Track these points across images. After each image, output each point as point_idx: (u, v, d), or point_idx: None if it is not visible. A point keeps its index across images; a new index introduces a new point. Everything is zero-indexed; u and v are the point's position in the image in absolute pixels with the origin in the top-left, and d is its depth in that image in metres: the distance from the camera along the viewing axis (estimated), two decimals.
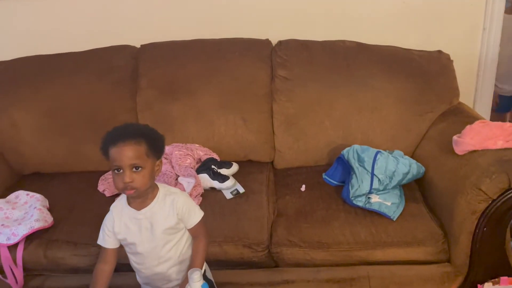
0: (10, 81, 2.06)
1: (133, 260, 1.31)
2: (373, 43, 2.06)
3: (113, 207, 1.27)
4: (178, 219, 1.25)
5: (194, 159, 1.94)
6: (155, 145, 1.19)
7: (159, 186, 1.26)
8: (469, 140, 1.56)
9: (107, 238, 1.26)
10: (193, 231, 1.29)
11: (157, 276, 1.30)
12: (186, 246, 1.31)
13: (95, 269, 1.28)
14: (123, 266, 1.36)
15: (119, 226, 1.25)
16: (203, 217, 1.29)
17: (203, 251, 1.28)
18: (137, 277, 1.37)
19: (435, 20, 2.13)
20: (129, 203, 1.25)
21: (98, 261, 1.30)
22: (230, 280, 1.60)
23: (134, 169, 1.14)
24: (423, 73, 1.99)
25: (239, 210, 1.69)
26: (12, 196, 1.78)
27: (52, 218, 1.67)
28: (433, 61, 2.01)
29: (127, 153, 1.13)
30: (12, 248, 1.57)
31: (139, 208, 1.23)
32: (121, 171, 1.14)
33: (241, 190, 1.80)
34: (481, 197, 1.43)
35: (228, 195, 1.78)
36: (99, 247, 1.30)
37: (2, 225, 1.60)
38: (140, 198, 1.23)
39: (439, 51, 2.03)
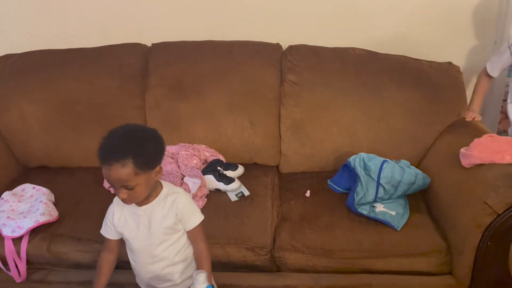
0: (21, 74, 2.07)
1: (130, 257, 1.32)
2: (383, 52, 2.06)
3: (116, 199, 1.27)
4: (176, 219, 1.24)
5: (200, 159, 1.94)
6: (144, 161, 1.12)
7: (163, 184, 1.26)
8: (476, 153, 1.56)
9: (108, 229, 1.28)
10: (191, 235, 1.28)
11: (151, 275, 1.30)
12: (184, 248, 1.29)
13: (99, 258, 1.31)
14: (124, 263, 1.36)
15: (119, 219, 1.26)
16: (202, 222, 1.27)
17: (207, 256, 1.27)
18: (136, 279, 1.38)
19: (446, 32, 2.13)
20: None
21: (102, 250, 1.32)
22: (232, 282, 1.60)
23: (127, 188, 1.12)
24: (433, 84, 1.99)
25: (243, 213, 1.70)
26: (18, 189, 1.79)
27: (57, 213, 1.68)
28: (443, 72, 2.02)
29: (114, 177, 1.10)
30: (17, 240, 1.58)
31: (140, 204, 1.23)
32: (116, 188, 1.14)
33: (246, 192, 1.81)
34: (487, 211, 1.43)
35: (233, 197, 1.79)
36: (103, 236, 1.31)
37: (8, 217, 1.61)
38: (144, 198, 1.23)
39: (449, 63, 2.03)
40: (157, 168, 1.17)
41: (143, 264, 1.29)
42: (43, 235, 1.61)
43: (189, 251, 1.31)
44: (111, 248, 1.30)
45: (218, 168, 1.87)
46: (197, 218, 1.26)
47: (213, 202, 1.75)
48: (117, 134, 1.14)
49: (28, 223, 1.58)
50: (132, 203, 1.19)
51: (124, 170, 1.09)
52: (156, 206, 1.23)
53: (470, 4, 2.09)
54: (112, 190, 1.83)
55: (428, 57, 2.05)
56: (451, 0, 2.09)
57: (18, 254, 1.58)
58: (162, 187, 1.25)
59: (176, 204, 1.23)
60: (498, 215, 1.42)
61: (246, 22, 2.18)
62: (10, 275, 1.59)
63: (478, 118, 1.95)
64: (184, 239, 1.29)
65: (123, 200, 1.16)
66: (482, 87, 2.01)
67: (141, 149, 1.12)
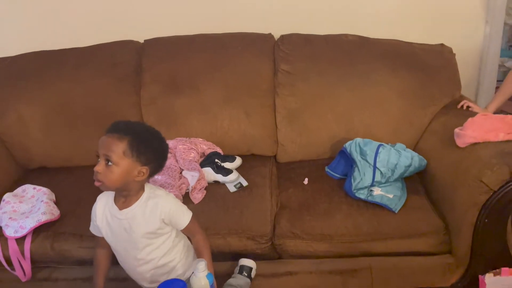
0: (16, 76, 2.08)
1: (117, 257, 1.32)
2: (375, 37, 2.07)
3: (99, 198, 1.27)
4: (164, 224, 1.22)
5: (198, 153, 1.96)
6: (139, 148, 1.14)
7: (145, 188, 1.23)
8: (470, 132, 1.57)
9: (95, 228, 1.28)
10: (186, 231, 1.28)
11: (139, 276, 1.31)
12: (170, 251, 1.28)
13: (94, 254, 1.32)
14: None
15: (101, 220, 1.25)
16: (193, 216, 1.27)
17: (205, 246, 1.28)
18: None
19: (437, 13, 2.13)
20: (114, 200, 1.24)
21: (95, 245, 1.33)
22: (233, 271, 1.62)
23: (107, 162, 1.13)
24: (426, 67, 2.00)
25: (242, 203, 1.71)
26: (19, 190, 1.81)
27: (58, 211, 1.70)
28: (435, 54, 2.02)
29: (105, 143, 1.13)
30: (20, 240, 1.60)
31: (121, 207, 1.22)
32: (99, 159, 1.14)
33: (245, 183, 1.82)
34: (483, 189, 1.44)
35: (232, 189, 1.80)
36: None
37: (10, 218, 1.63)
38: (124, 198, 1.22)
39: (442, 45, 2.04)
40: (144, 169, 1.16)
41: (130, 266, 1.30)
42: (45, 234, 1.63)
43: (176, 253, 1.29)
44: (103, 244, 1.31)
45: (216, 160, 1.89)
46: (186, 216, 1.25)
47: (213, 194, 1.77)
48: (133, 121, 1.24)
49: (30, 223, 1.60)
50: (100, 184, 1.15)
51: (117, 142, 1.12)
52: (137, 211, 1.21)
53: None
54: None
55: (420, 40, 2.06)
56: None
57: (22, 253, 1.60)
58: (143, 191, 1.23)
59: (160, 209, 1.20)
60: (494, 192, 1.43)
61: (238, 14, 2.18)
62: (16, 274, 1.61)
63: (474, 107, 1.84)
64: (170, 242, 1.27)
65: (95, 174, 1.14)
66: (508, 88, 1.80)
67: (143, 139, 1.16)
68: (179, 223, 1.24)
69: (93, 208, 1.28)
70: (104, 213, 1.25)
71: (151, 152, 1.18)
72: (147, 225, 1.21)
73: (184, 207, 1.27)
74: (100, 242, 1.31)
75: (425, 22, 2.14)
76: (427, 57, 2.01)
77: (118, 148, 1.12)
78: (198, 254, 1.27)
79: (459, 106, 1.87)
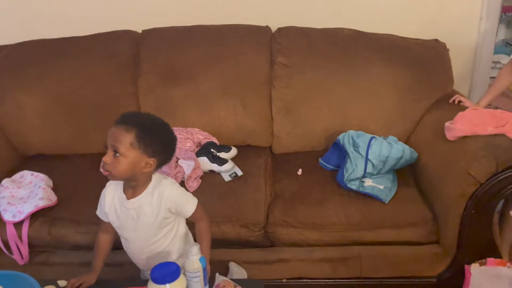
0: (15, 65, 2.10)
1: (123, 242, 1.34)
2: (371, 31, 2.09)
3: (109, 184, 1.29)
4: (170, 213, 1.24)
5: (194, 142, 1.99)
6: (146, 140, 1.15)
7: (152, 177, 1.24)
8: (460, 126, 1.60)
9: (103, 212, 1.30)
10: (192, 218, 1.30)
11: (141, 261, 1.33)
12: (173, 241, 1.30)
13: (97, 238, 1.34)
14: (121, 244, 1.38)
15: (109, 207, 1.27)
16: (198, 203, 1.28)
17: (206, 233, 1.29)
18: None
19: (432, 9, 2.15)
20: (123, 189, 1.26)
21: (99, 230, 1.34)
22: (227, 258, 1.66)
23: (115, 153, 1.15)
24: (420, 62, 2.03)
25: (237, 192, 1.74)
26: (17, 175, 1.83)
27: (56, 197, 1.73)
28: (430, 49, 2.05)
29: (113, 134, 1.15)
30: (18, 225, 1.63)
31: (129, 197, 1.23)
32: (107, 150, 1.16)
33: (240, 173, 1.86)
34: (470, 181, 1.48)
35: (227, 178, 1.84)
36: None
37: (8, 203, 1.66)
38: (132, 189, 1.23)
39: (436, 40, 2.07)
40: (151, 161, 1.17)
41: (134, 252, 1.32)
42: (43, 219, 1.66)
43: (179, 244, 1.31)
44: (107, 229, 1.32)
45: (212, 150, 1.92)
46: (192, 204, 1.27)
47: (208, 183, 1.80)
48: (142, 112, 1.25)
49: (28, 208, 1.63)
50: (108, 174, 1.17)
51: (125, 133, 1.14)
52: (144, 201, 1.22)
53: None
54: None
55: (415, 35, 2.09)
56: None
57: (20, 238, 1.63)
58: (151, 181, 1.23)
59: (166, 198, 1.22)
60: (481, 184, 1.47)
61: (236, 6, 2.20)
62: (13, 258, 1.64)
63: (465, 101, 1.87)
64: (172, 233, 1.29)
65: (103, 165, 1.16)
66: (500, 83, 1.82)
67: (150, 131, 1.17)
68: (185, 211, 1.26)
69: (102, 194, 1.29)
70: (113, 201, 1.27)
71: (158, 144, 1.18)
72: (154, 214, 1.23)
73: (190, 195, 1.28)
74: (104, 227, 1.32)
75: (420, 17, 2.16)
76: (421, 52, 2.05)
77: (126, 140, 1.14)
78: (199, 240, 1.28)
79: (451, 101, 1.91)
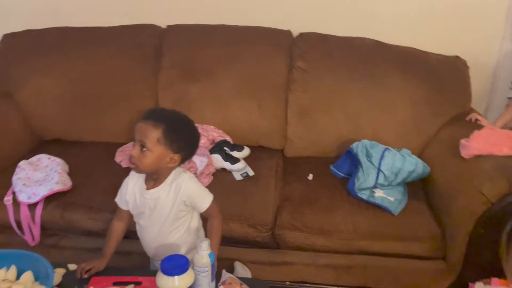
0: (40, 49, 2.14)
1: (138, 230, 1.37)
2: (392, 43, 2.10)
3: (132, 174, 1.32)
4: (185, 206, 1.27)
5: (208, 139, 2.01)
6: (172, 136, 1.19)
7: (174, 171, 1.27)
8: (475, 144, 1.60)
9: (122, 200, 1.33)
10: (206, 213, 1.32)
11: (151, 251, 1.37)
12: (185, 235, 1.32)
13: (111, 224, 1.36)
14: (132, 233, 1.40)
15: (130, 195, 1.31)
16: (214, 199, 1.31)
17: (217, 229, 1.31)
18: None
19: (455, 25, 2.15)
20: (145, 180, 1.29)
21: (114, 217, 1.37)
22: (233, 256, 1.68)
23: (142, 148, 1.19)
24: (439, 77, 2.03)
25: (247, 192, 1.76)
26: (34, 158, 1.87)
27: (71, 182, 1.76)
28: (450, 65, 2.06)
29: (141, 129, 1.19)
30: (32, 207, 1.67)
31: (149, 187, 1.27)
32: (134, 144, 1.21)
33: (251, 173, 1.87)
34: (482, 199, 1.48)
35: (238, 177, 1.86)
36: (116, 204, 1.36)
37: (24, 184, 1.69)
38: (154, 181, 1.27)
39: (457, 57, 2.07)
40: (175, 156, 1.21)
41: (146, 240, 1.35)
42: (57, 202, 1.69)
43: (189, 238, 1.34)
44: (122, 217, 1.36)
45: (225, 148, 1.94)
46: (207, 199, 1.29)
47: (219, 180, 1.82)
48: (168, 109, 1.29)
49: (43, 191, 1.66)
50: (134, 167, 1.21)
51: (152, 129, 1.18)
52: (162, 192, 1.26)
53: None
54: (122, 164, 1.92)
55: (436, 49, 2.09)
56: None
57: (33, 219, 1.66)
58: (171, 174, 1.26)
59: (182, 191, 1.25)
60: (492, 204, 1.47)
61: (260, 8, 2.22)
62: (25, 239, 1.68)
63: (482, 120, 1.86)
64: (185, 227, 1.32)
65: (130, 158, 1.20)
66: None
67: (176, 128, 1.21)
68: (200, 205, 1.29)
69: (125, 182, 1.33)
70: (134, 190, 1.30)
71: (183, 140, 1.22)
72: (169, 206, 1.26)
73: (206, 191, 1.31)
74: (120, 215, 1.36)
75: (443, 32, 2.16)
76: (441, 67, 2.05)
77: (153, 135, 1.18)
78: (209, 236, 1.31)
79: (467, 118, 1.91)
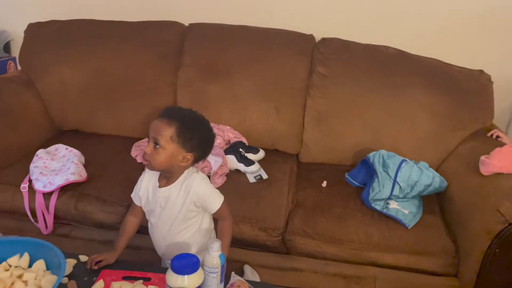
0: (64, 40, 2.17)
1: (149, 227, 1.37)
2: (415, 53, 2.07)
3: (147, 171, 1.33)
4: (195, 206, 1.27)
5: (223, 140, 2.01)
6: (185, 135, 1.19)
7: (187, 170, 1.27)
8: (496, 162, 1.57)
9: (136, 196, 1.35)
10: (216, 215, 1.32)
11: (161, 249, 1.37)
12: (194, 235, 1.32)
13: (124, 219, 1.38)
14: (141, 228, 1.40)
15: (144, 191, 1.32)
16: (224, 201, 1.30)
17: (228, 231, 1.31)
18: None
19: (481, 39, 2.12)
20: (159, 177, 1.30)
21: (128, 212, 1.38)
22: (242, 259, 1.68)
23: (156, 145, 1.19)
24: (461, 90, 2.00)
25: (260, 195, 1.76)
26: (52, 148, 1.90)
27: (86, 174, 1.77)
28: (473, 79, 2.02)
29: (155, 127, 1.20)
30: (47, 195, 1.68)
31: (162, 185, 1.27)
32: (149, 141, 1.21)
33: (265, 176, 1.87)
34: (499, 218, 1.44)
35: (252, 179, 1.85)
36: (131, 200, 1.37)
37: (41, 173, 1.71)
38: (166, 179, 1.27)
39: (481, 71, 2.03)
40: (188, 155, 1.21)
41: (156, 238, 1.36)
42: (71, 193, 1.70)
43: (200, 239, 1.34)
44: (136, 213, 1.37)
45: (240, 149, 1.94)
46: (217, 200, 1.29)
47: (232, 181, 1.82)
48: (185, 108, 1.28)
49: (59, 180, 1.68)
50: (147, 163, 1.22)
51: (166, 127, 1.19)
52: (173, 191, 1.26)
53: (508, 14, 2.07)
54: (138, 159, 1.93)
55: (460, 62, 2.05)
56: (488, 9, 2.08)
57: (47, 208, 1.68)
58: (183, 173, 1.27)
59: (193, 191, 1.25)
60: (510, 224, 1.43)
61: (283, 11, 2.22)
62: (38, 226, 1.70)
63: (504, 137, 1.83)
64: (196, 227, 1.32)
65: (144, 154, 1.21)
66: None
67: (190, 126, 1.21)
68: (210, 206, 1.28)
69: (140, 178, 1.34)
70: (147, 186, 1.32)
71: (197, 140, 1.22)
72: (179, 205, 1.26)
73: (217, 192, 1.30)
74: (134, 210, 1.37)
75: (468, 46, 2.13)
76: (464, 81, 2.01)
77: (167, 133, 1.18)
78: (219, 237, 1.30)
79: (489, 134, 1.87)
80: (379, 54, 2.08)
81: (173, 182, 1.26)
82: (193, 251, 1.33)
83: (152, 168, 1.24)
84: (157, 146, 1.19)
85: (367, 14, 2.17)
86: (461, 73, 2.03)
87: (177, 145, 1.20)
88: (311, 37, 2.15)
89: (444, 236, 1.62)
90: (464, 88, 2.00)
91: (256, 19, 2.19)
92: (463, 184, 1.71)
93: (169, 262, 1.28)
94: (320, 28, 2.16)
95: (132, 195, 1.36)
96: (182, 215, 1.28)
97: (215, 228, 1.37)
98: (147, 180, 1.32)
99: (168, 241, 1.33)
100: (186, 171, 1.27)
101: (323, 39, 2.13)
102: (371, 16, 2.17)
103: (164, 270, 1.14)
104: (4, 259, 1.15)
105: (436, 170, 1.85)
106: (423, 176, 1.73)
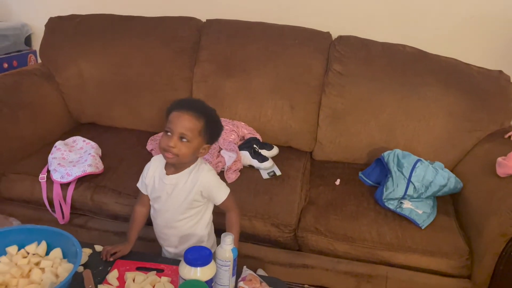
0: (83, 34, 2.20)
1: (152, 213, 1.40)
2: (434, 52, 2.05)
3: (154, 160, 1.36)
4: (201, 197, 1.30)
5: (238, 135, 2.02)
6: (211, 129, 1.26)
7: (198, 160, 1.30)
8: None
9: (143, 185, 1.37)
10: (222, 206, 1.34)
11: (162, 235, 1.39)
12: (196, 225, 1.35)
13: (133, 210, 1.40)
14: None
15: (150, 179, 1.34)
16: (230, 193, 1.33)
17: (236, 223, 1.34)
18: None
19: (501, 40, 2.08)
20: (165, 165, 1.32)
21: (136, 203, 1.41)
22: (253, 254, 1.69)
23: (182, 139, 1.21)
24: (479, 91, 1.97)
25: (273, 191, 1.76)
26: (70, 140, 1.93)
27: (103, 166, 1.80)
28: (492, 80, 1.99)
29: (184, 121, 1.21)
30: (64, 186, 1.72)
31: (169, 173, 1.30)
32: (170, 134, 1.22)
33: (278, 172, 1.87)
34: None
35: (265, 175, 1.86)
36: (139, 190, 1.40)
37: (59, 164, 1.75)
38: (175, 168, 1.30)
39: (500, 71, 2.00)
40: (207, 146, 1.28)
41: (159, 224, 1.38)
42: (88, 184, 1.73)
43: (199, 231, 1.35)
44: (144, 202, 1.39)
45: (254, 146, 1.95)
46: (223, 192, 1.31)
47: (246, 177, 1.83)
48: (201, 101, 1.31)
49: (76, 172, 1.71)
50: (172, 157, 1.23)
51: (195, 122, 1.22)
52: (181, 179, 1.29)
53: None
54: (153, 153, 1.95)
55: (479, 62, 2.02)
56: (508, 8, 2.05)
57: (64, 198, 1.72)
58: (193, 163, 1.30)
59: (200, 182, 1.28)
60: None
61: (300, 8, 2.21)
62: (55, 216, 1.74)
63: None
64: (198, 218, 1.34)
65: (169, 149, 1.21)
66: None
67: (214, 121, 1.29)
68: (216, 198, 1.31)
69: (146, 167, 1.37)
70: (154, 174, 1.34)
71: (217, 133, 1.31)
72: (185, 194, 1.29)
73: (223, 184, 1.33)
74: (141, 200, 1.39)
75: (487, 45, 2.10)
76: (482, 81, 1.98)
77: (196, 127, 1.22)
78: (228, 230, 1.32)
79: (506, 136, 1.84)
80: (397, 53, 2.06)
81: (182, 170, 1.29)
82: (193, 241, 1.36)
83: (179, 161, 1.26)
84: (184, 139, 1.21)
85: (384, 12, 2.15)
86: (480, 73, 2.00)
87: (202, 138, 1.25)
88: (328, 34, 2.15)
89: (458, 238, 1.60)
90: (482, 88, 1.97)
91: (273, 15, 2.19)
92: (479, 185, 1.69)
93: (168, 250, 1.32)
94: (337, 25, 2.15)
95: (138, 185, 1.39)
96: (186, 204, 1.30)
97: (219, 221, 1.39)
98: (154, 168, 1.35)
99: (169, 228, 1.35)
100: (197, 161, 1.31)
101: (340, 37, 2.12)
102: (389, 14, 2.15)
103: (177, 262, 1.15)
104: (23, 247, 1.18)
105: (452, 171, 1.83)
106: (438, 177, 1.71)
